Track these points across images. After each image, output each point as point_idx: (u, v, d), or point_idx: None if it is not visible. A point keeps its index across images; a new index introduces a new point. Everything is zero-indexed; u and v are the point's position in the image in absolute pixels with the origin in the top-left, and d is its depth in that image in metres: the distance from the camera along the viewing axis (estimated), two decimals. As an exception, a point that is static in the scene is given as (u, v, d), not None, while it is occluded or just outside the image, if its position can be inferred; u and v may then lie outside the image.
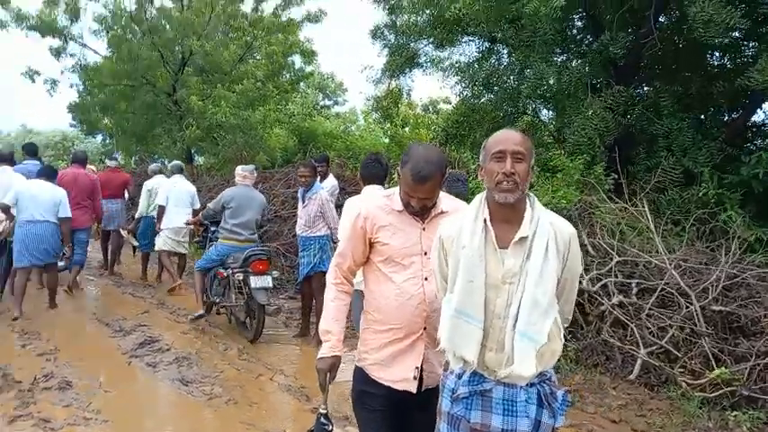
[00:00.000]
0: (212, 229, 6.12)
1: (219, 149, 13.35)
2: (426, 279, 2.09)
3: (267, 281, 5.27)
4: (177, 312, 6.30)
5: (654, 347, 4.41)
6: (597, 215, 5.83)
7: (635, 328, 4.52)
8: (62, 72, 14.43)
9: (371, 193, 3.78)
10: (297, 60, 16.54)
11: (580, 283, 4.99)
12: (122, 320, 5.90)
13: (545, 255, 1.75)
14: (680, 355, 4.28)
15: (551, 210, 5.66)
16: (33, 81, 14.59)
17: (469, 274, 1.78)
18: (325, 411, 2.18)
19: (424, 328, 2.10)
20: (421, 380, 2.13)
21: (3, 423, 3.59)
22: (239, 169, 5.93)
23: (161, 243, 7.27)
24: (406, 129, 14.07)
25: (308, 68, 17.51)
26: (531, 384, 1.81)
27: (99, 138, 23.34)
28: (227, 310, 5.83)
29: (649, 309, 4.62)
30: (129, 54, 12.98)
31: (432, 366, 2.12)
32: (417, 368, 2.11)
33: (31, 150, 7.65)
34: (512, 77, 8.38)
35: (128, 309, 6.47)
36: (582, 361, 4.67)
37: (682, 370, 4.18)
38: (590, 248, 5.40)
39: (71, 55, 14.76)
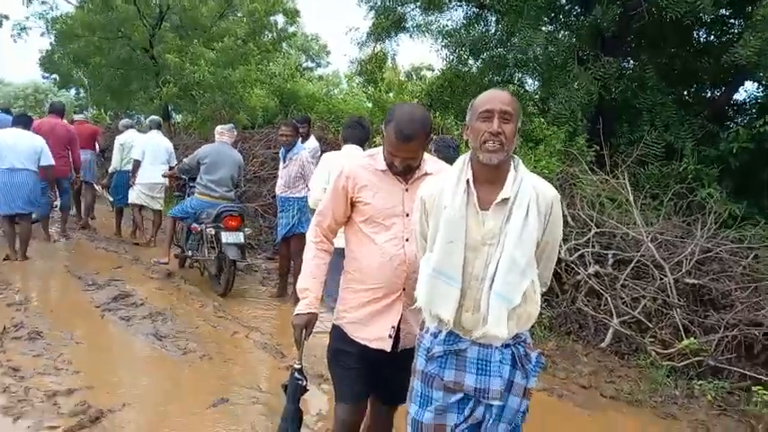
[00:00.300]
0: (190, 184, 6.05)
1: (198, 107, 13.03)
2: (407, 240, 2.07)
3: (239, 237, 5.31)
4: (152, 269, 6.20)
5: (626, 317, 4.50)
6: (578, 186, 5.86)
7: (609, 298, 4.59)
8: (27, 18, 13.85)
9: (351, 152, 3.85)
10: (280, 20, 16.15)
11: (558, 252, 5.06)
12: (95, 275, 5.79)
13: (525, 217, 1.73)
14: (651, 326, 4.38)
15: None
16: (0, 25, 14.01)
17: (449, 235, 1.76)
18: (299, 366, 2.18)
19: (403, 289, 2.10)
20: (397, 339, 2.13)
21: (-30, 371, 3.52)
22: (218, 127, 5.96)
23: (134, 197, 7.29)
24: (390, 94, 13.90)
25: (291, 29, 17.11)
26: (506, 345, 1.81)
27: (73, 91, 22.69)
28: (200, 264, 5.93)
29: (624, 279, 4.70)
30: (104, 4, 12.50)
31: (409, 327, 2.13)
32: (393, 327, 2.11)
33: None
34: (499, 45, 8.30)
35: (101, 263, 6.35)
36: (555, 328, 4.75)
37: (652, 340, 4.27)
38: (570, 219, 5.43)
39: (42, 2, 14.19)
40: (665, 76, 7.49)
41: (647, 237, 4.89)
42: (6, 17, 13.66)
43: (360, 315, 2.15)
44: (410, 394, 1.93)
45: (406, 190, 2.10)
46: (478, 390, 1.79)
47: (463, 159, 1.84)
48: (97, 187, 8.29)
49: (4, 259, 6.07)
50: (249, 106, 13.41)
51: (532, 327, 4.55)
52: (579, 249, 5.09)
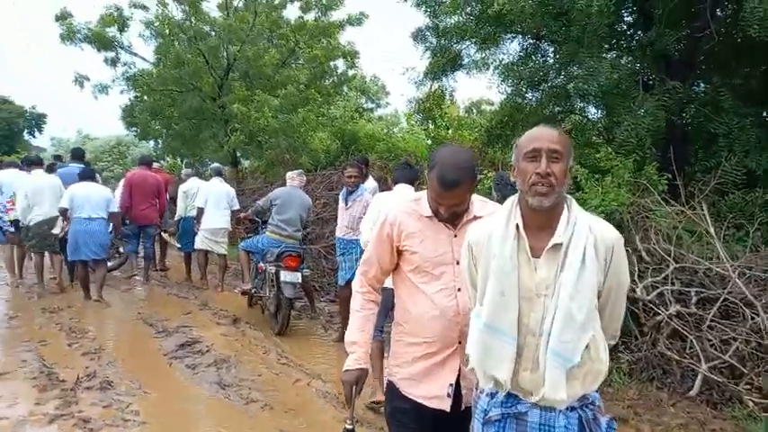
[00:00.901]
0: (263, 227, 6.35)
1: (263, 153, 13.47)
2: (459, 290, 1.94)
3: (296, 276, 5.55)
4: (219, 314, 6.31)
5: (716, 362, 4.09)
6: (651, 219, 5.52)
7: (695, 341, 4.22)
8: (113, 80, 14.90)
9: (402, 191, 4.03)
10: (340, 64, 16.63)
11: (633, 291, 4.72)
12: (165, 321, 5.96)
13: (581, 264, 1.57)
14: (746, 371, 3.96)
15: (601, 214, 5.33)
16: (82, 87, 15.10)
17: (500, 286, 1.62)
18: (351, 427, 2.05)
19: (459, 342, 1.94)
20: (458, 397, 1.98)
21: (44, 422, 3.62)
22: (289, 173, 6.44)
23: (198, 242, 7.64)
24: (450, 131, 13.85)
25: (351, 72, 17.56)
26: (572, 408, 1.63)
27: (152, 143, 24.04)
28: (262, 301, 6.19)
29: (711, 320, 4.31)
30: (176, 60, 13.30)
31: (469, 383, 1.95)
32: (451, 385, 1.96)
33: (78, 154, 8.50)
34: (558, 75, 8.11)
35: (172, 309, 6.54)
36: (636, 374, 4.40)
37: (748, 387, 3.86)
38: (644, 254, 5.12)
39: (123, 64, 15.25)
40: (741, 97, 7.03)
41: (734, 272, 4.49)
42: (87, 78, 14.70)
43: (413, 371, 2.02)
44: (470, 459, 1.78)
45: (455, 236, 1.97)
46: None
47: (511, 202, 1.70)
48: (165, 235, 8.71)
49: (96, 300, 6.67)
50: (311, 149, 13.74)
51: (609, 373, 4.28)
52: (658, 287, 4.74)
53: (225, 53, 14.36)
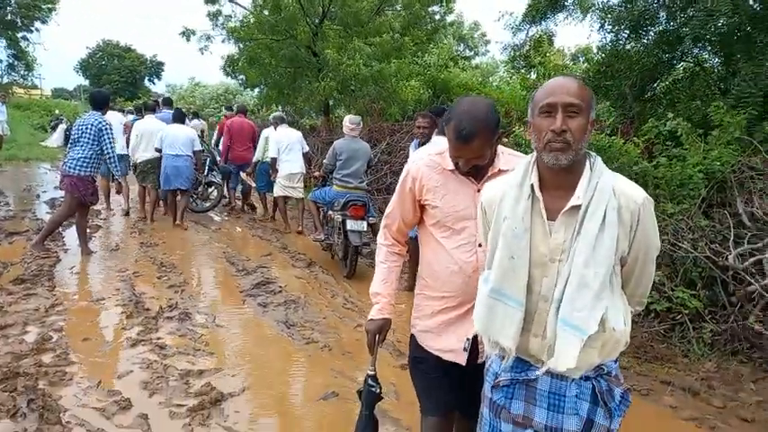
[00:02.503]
0: (330, 180, 6.48)
1: (354, 101, 13.51)
2: (480, 245, 1.84)
3: (362, 225, 5.69)
4: (296, 257, 6.55)
5: (814, 341, 3.67)
6: (759, 181, 4.94)
7: (791, 317, 3.80)
8: (213, 28, 15.46)
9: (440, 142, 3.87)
10: (437, 10, 16.10)
11: (724, 257, 4.31)
12: (247, 261, 6.28)
13: (601, 227, 1.41)
14: None
15: (700, 173, 4.83)
16: (188, 39, 15.82)
17: (510, 250, 1.51)
18: (373, 373, 2.07)
19: None
20: (476, 351, 1.92)
21: (127, 345, 3.97)
22: (347, 120, 6.34)
23: (277, 190, 7.92)
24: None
25: (449, 18, 16.98)
26: (586, 378, 1.51)
27: (256, 90, 24.90)
28: (331, 247, 6.39)
29: (813, 295, 3.84)
30: (274, 5, 13.50)
31: None
32: (468, 339, 1.90)
33: (168, 102, 9.89)
34: (670, 19, 7.31)
35: (254, 250, 6.88)
36: (718, 346, 4.05)
37: None
38: (745, 219, 4.62)
39: (225, 16, 15.74)
40: None
41: None
42: (193, 32, 15.36)
43: (431, 324, 2.00)
44: (479, 422, 1.72)
45: (479, 191, 1.86)
46: (550, 428, 1.53)
47: (528, 160, 1.57)
48: (243, 175, 9.30)
49: (175, 224, 7.96)
50: (402, 99, 13.59)
51: (689, 343, 3.97)
52: (755, 254, 4.29)
53: (321, -1, 14.37)
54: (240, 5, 15.60)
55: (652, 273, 1.58)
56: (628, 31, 7.15)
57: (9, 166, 13.79)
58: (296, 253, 6.72)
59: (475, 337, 1.90)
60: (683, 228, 4.66)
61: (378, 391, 2.06)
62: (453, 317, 1.94)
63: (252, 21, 14.70)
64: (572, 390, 1.51)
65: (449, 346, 1.95)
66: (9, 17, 29.32)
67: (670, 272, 4.57)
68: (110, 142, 6.04)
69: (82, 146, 5.99)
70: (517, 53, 10.71)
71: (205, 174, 8.99)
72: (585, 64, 15.60)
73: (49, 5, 29.89)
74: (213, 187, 9.28)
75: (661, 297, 4.44)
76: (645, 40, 7.61)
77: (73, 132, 6.22)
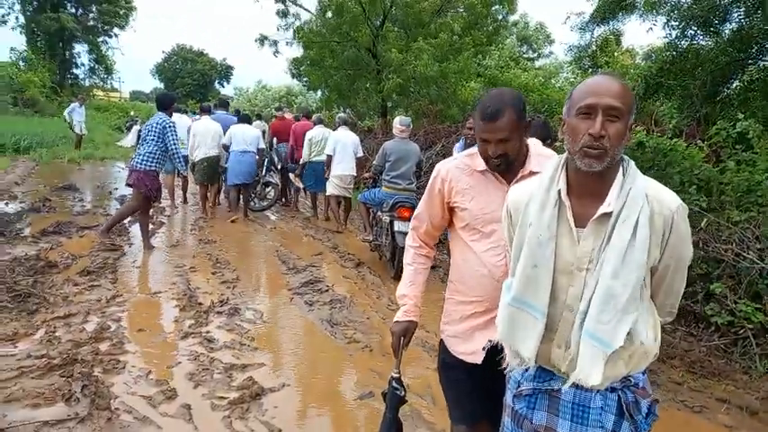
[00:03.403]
0: (379, 181, 6.51)
1: (411, 102, 13.52)
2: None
3: (409, 226, 5.54)
4: (346, 257, 6.62)
5: None
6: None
7: None
8: (278, 29, 15.95)
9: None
10: (498, 9, 15.85)
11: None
12: (297, 259, 6.41)
13: (632, 236, 1.34)
14: None
15: (741, 184, 4.53)
16: (262, 45, 16.42)
17: (533, 258, 1.45)
18: (397, 376, 2.05)
19: None
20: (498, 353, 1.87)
21: (178, 337, 4.13)
22: (397, 122, 6.37)
23: (331, 188, 8.07)
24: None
25: (512, 18, 16.68)
26: (612, 389, 1.44)
27: (319, 93, 25.41)
28: (380, 249, 6.43)
29: None
30: (338, 8, 13.73)
31: None
32: (491, 341, 1.84)
33: (223, 104, 10.43)
34: (746, 16, 6.88)
35: (305, 249, 7.00)
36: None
37: None
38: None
39: (293, 15, 16.18)
40: None
41: None
42: (266, 38, 16.02)
43: (460, 329, 1.96)
44: (501, 431, 1.68)
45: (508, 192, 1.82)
46: None
47: (557, 162, 1.50)
48: (291, 176, 9.75)
49: (232, 221, 8.39)
50: (461, 100, 13.48)
51: (751, 359, 3.73)
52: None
53: (383, 1, 14.46)
54: (305, 9, 15.97)
55: (683, 283, 1.50)
56: (696, 28, 6.78)
57: (86, 165, 14.66)
58: (345, 253, 6.79)
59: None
60: (749, 237, 4.38)
61: (402, 393, 2.04)
62: (482, 322, 1.90)
63: (316, 24, 15.02)
64: (597, 401, 1.45)
65: (472, 349, 1.92)
66: (91, 23, 31.25)
67: (733, 283, 4.31)
68: (173, 139, 6.35)
69: (148, 143, 6.34)
70: (583, 54, 10.37)
71: (263, 174, 9.26)
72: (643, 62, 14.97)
73: (127, 11, 31.63)
74: (270, 187, 9.53)
75: (723, 310, 4.20)
76: (716, 38, 7.22)
77: (142, 133, 6.62)
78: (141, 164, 6.31)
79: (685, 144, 5.18)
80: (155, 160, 6.34)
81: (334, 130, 8.53)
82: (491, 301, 1.85)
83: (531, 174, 1.79)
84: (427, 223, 2.05)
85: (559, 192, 1.45)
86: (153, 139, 6.33)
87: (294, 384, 3.51)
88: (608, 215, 1.38)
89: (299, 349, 4.10)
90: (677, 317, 4.43)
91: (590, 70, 12.39)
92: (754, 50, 7.31)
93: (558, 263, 1.45)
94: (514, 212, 1.57)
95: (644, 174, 1.47)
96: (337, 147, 7.85)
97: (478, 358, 1.89)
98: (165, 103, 6.69)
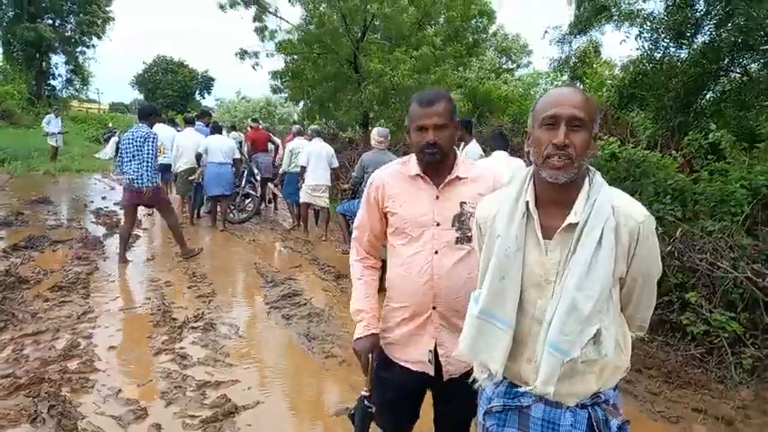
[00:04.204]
0: (359, 193, 6.44)
1: (393, 112, 13.56)
2: (437, 252, 1.84)
3: None
4: (326, 269, 6.56)
5: None
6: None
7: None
8: (262, 40, 15.97)
9: (498, 157, 4.75)
10: (478, 20, 16.02)
11: (767, 278, 4.06)
12: (276, 272, 6.33)
13: (597, 247, 1.34)
14: None
15: (742, 188, 4.61)
16: (243, 59, 16.36)
17: (501, 270, 1.44)
18: (368, 393, 2.01)
19: (434, 308, 1.87)
20: (439, 366, 1.90)
21: (150, 354, 4.04)
22: (375, 133, 6.34)
23: (303, 196, 8.27)
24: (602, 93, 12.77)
25: (491, 30, 16.85)
26: (583, 406, 1.42)
27: (301, 104, 25.30)
28: None
29: None
30: (319, 20, 13.76)
31: (447, 351, 1.88)
32: (431, 351, 1.89)
33: (205, 114, 10.41)
34: (716, 28, 7.02)
35: (285, 261, 6.94)
36: (758, 372, 3.81)
37: None
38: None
39: (271, 30, 16.13)
40: None
41: None
42: (246, 52, 15.97)
43: (396, 336, 1.98)
44: (472, 448, 1.65)
45: (437, 197, 1.88)
46: None
47: (525, 175, 1.50)
48: (270, 185, 10.01)
49: (222, 230, 8.58)
50: (441, 111, 13.54)
51: (726, 368, 3.74)
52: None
53: (363, 13, 14.50)
54: (285, 21, 15.95)
55: (652, 297, 1.50)
56: (668, 40, 6.90)
57: (62, 177, 14.43)
58: (325, 265, 6.73)
59: (435, 352, 1.91)
60: (723, 246, 4.42)
61: (373, 410, 2.01)
62: (413, 328, 1.93)
63: (297, 36, 15.04)
64: (567, 418, 1.43)
65: (414, 358, 1.94)
66: (68, 33, 30.90)
67: (708, 293, 4.34)
68: (150, 149, 6.28)
69: (137, 158, 6.24)
70: (562, 65, 10.49)
71: (243, 185, 9.19)
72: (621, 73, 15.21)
73: (104, 21, 31.35)
74: (250, 199, 9.46)
75: (698, 319, 4.23)
76: (689, 50, 7.35)
77: (122, 144, 6.45)
78: (150, 181, 6.29)
79: (660, 155, 5.24)
80: (147, 174, 6.27)
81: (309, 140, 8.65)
82: (416, 307, 1.90)
83: (458, 179, 1.88)
84: (368, 233, 2.06)
85: (527, 203, 1.45)
86: (141, 156, 6.23)
87: (269, 401, 3.44)
88: (574, 226, 1.38)
89: (274, 365, 4.02)
90: (654, 326, 4.46)
91: (573, 80, 12.55)
92: (725, 62, 7.46)
93: (527, 275, 1.45)
94: (483, 225, 1.57)
95: (619, 185, 1.47)
96: (311, 158, 8.06)
97: (429, 368, 1.91)
98: (145, 114, 6.59)
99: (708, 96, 7.71)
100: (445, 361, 1.89)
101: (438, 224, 1.87)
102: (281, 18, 15.97)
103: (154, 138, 6.34)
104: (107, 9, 32.04)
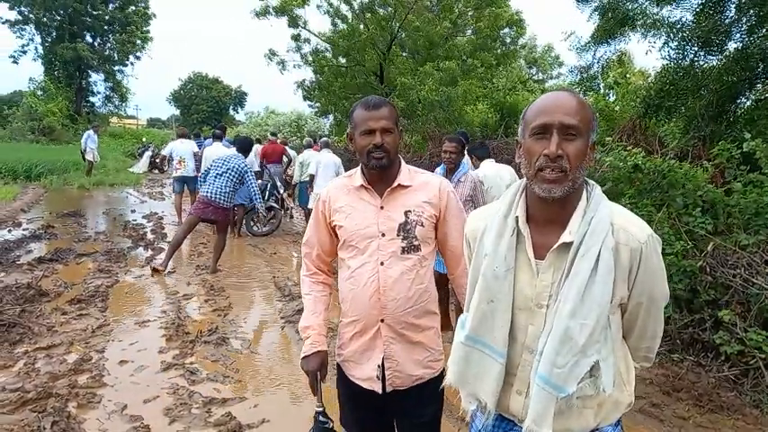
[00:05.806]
0: None
1: (418, 126, 13.49)
2: (383, 264, 1.78)
3: None
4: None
5: None
6: None
7: None
8: (287, 51, 16.27)
9: (489, 165, 5.09)
10: (507, 32, 15.87)
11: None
12: (294, 285, 6.26)
13: (593, 270, 1.20)
14: None
15: (749, 206, 4.32)
16: (270, 61, 16.61)
17: (489, 292, 1.32)
18: (321, 409, 1.93)
19: (382, 320, 1.81)
20: (385, 379, 1.83)
21: (159, 369, 4.00)
22: None
23: (311, 203, 8.38)
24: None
25: (520, 41, 16.67)
26: None
27: (330, 117, 25.51)
28: None
29: None
30: (350, 32, 13.91)
31: (396, 364, 1.83)
32: (379, 366, 1.82)
33: (217, 135, 10.46)
34: (747, 36, 6.72)
35: (304, 276, 6.86)
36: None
37: None
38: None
39: (304, 40, 16.39)
40: None
41: None
42: (275, 54, 16.32)
43: (349, 352, 1.93)
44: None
45: (381, 207, 1.83)
46: None
47: (516, 188, 1.38)
48: (284, 194, 10.45)
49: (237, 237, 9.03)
50: (468, 123, 13.39)
51: (762, 392, 3.49)
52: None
53: (390, 25, 14.55)
54: (315, 35, 16.14)
55: (659, 324, 1.35)
56: (696, 48, 6.63)
57: (95, 191, 14.77)
58: (345, 279, 6.64)
59: (383, 366, 1.86)
60: (758, 261, 4.17)
61: (331, 424, 1.94)
62: (363, 343, 1.87)
63: (326, 48, 15.26)
64: None
65: (366, 374, 1.88)
66: (107, 53, 31.93)
67: (742, 310, 4.09)
68: (251, 180, 6.95)
69: (222, 179, 6.72)
70: (585, 75, 10.26)
71: (266, 198, 9.23)
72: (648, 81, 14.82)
73: (143, 41, 32.31)
74: (273, 212, 9.47)
75: (732, 338, 3.97)
76: (719, 58, 7.06)
77: (214, 163, 6.90)
78: (219, 199, 6.66)
79: (689, 165, 4.99)
80: (228, 196, 6.74)
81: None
82: (366, 320, 1.85)
83: (401, 187, 1.86)
84: (317, 248, 2.01)
85: (517, 219, 1.32)
86: (229, 178, 6.71)
87: (274, 420, 3.35)
88: (568, 245, 1.24)
89: (283, 381, 3.93)
90: (684, 346, 4.21)
91: (591, 92, 12.28)
92: (760, 69, 7.13)
93: (517, 298, 1.32)
94: (472, 241, 1.45)
95: (646, 196, 1.33)
96: (319, 168, 8.33)
97: (376, 386, 1.85)
98: (245, 147, 7.25)
99: (745, 104, 7.38)
100: (391, 374, 1.84)
101: (383, 234, 1.83)
102: (309, 31, 16.19)
103: (250, 171, 6.96)
104: (145, 29, 33.06)
